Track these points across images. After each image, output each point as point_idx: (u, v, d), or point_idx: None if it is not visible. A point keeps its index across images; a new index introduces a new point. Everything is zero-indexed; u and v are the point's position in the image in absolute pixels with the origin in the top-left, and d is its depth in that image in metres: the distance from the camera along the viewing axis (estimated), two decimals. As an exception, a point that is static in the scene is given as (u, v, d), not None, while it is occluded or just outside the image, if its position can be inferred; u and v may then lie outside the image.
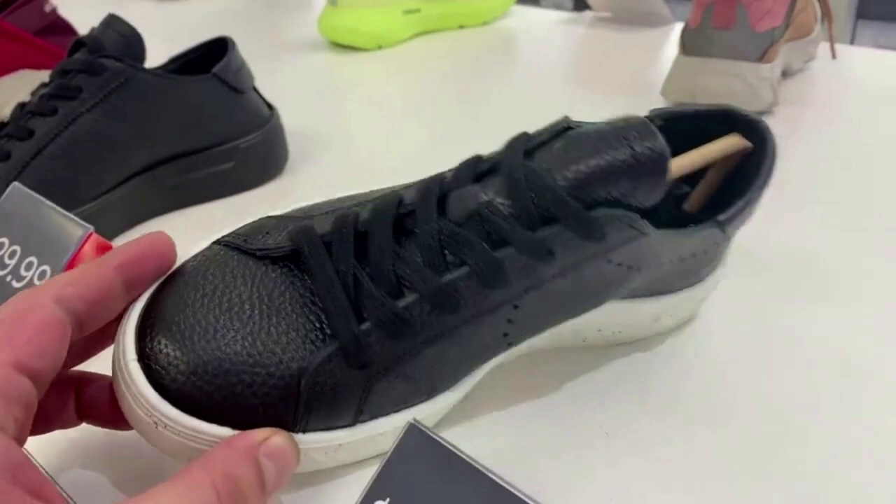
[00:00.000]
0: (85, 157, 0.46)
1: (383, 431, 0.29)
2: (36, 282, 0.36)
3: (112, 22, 0.49)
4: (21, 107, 0.47)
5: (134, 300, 0.29)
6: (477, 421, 0.33)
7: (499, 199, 0.29)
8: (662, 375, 0.35)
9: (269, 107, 0.57)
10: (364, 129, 0.67)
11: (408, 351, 0.29)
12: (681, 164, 0.34)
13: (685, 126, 0.36)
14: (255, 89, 0.55)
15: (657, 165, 0.30)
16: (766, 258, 0.44)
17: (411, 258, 0.29)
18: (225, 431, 0.27)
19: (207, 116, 0.51)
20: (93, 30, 0.49)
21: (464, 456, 0.24)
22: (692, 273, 0.35)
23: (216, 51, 0.54)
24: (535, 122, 0.33)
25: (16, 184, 0.40)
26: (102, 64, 0.47)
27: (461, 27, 0.95)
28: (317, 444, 0.28)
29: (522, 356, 0.34)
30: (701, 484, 0.30)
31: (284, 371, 0.27)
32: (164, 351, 0.27)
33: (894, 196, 0.50)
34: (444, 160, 0.35)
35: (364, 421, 0.29)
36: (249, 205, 0.53)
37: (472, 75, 0.80)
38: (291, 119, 0.59)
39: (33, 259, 0.37)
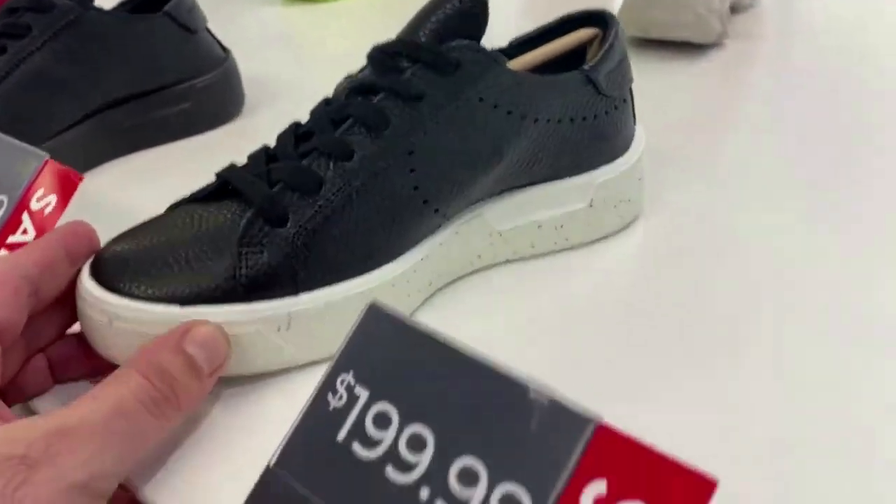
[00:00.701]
0: (36, 98, 0.45)
1: (328, 302, 0.31)
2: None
3: None
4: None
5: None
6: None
7: (365, 74, 0.35)
8: (614, 280, 0.37)
9: (224, 49, 0.56)
10: (322, 78, 0.67)
11: (322, 207, 0.31)
12: (535, 56, 0.38)
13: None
14: (208, 30, 0.55)
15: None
16: (711, 170, 0.45)
17: (309, 136, 0.33)
18: (172, 309, 0.29)
19: (160, 56, 0.50)
20: None
21: (425, 329, 0.25)
22: (597, 146, 0.37)
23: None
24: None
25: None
26: (51, 2, 0.46)
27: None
28: (263, 312, 0.30)
29: (478, 274, 0.36)
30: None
31: (217, 247, 0.30)
32: (112, 260, 0.30)
33: (837, 123, 0.52)
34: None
35: (307, 289, 0.31)
36: (207, 146, 0.53)
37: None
38: (247, 67, 0.58)
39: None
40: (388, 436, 0.23)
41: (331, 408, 0.24)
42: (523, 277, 0.37)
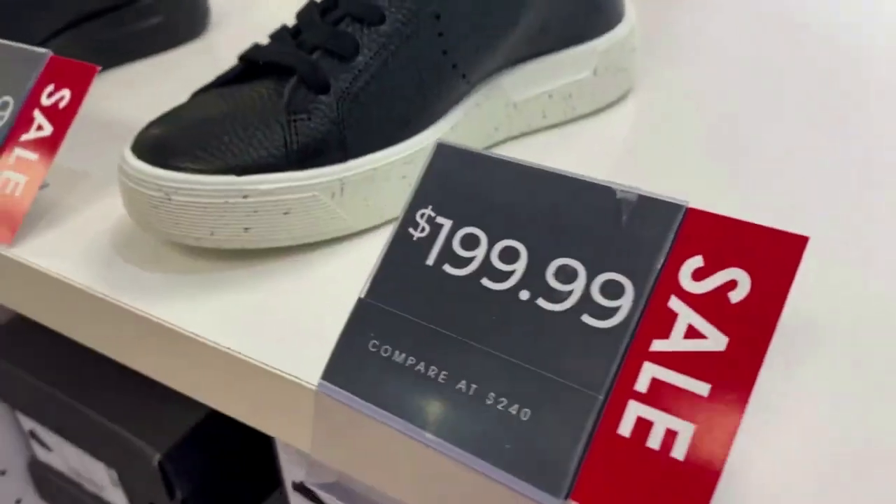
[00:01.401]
0: (12, 11, 0.44)
1: (374, 167, 0.32)
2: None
3: None
4: None
5: None
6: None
7: None
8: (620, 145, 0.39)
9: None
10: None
11: (362, 72, 0.32)
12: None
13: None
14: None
15: None
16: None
17: (332, 6, 0.33)
18: (230, 178, 0.29)
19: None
20: None
21: (499, 156, 0.26)
22: (595, 16, 0.40)
23: None
24: None
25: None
26: None
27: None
28: (317, 179, 0.31)
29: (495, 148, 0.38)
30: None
31: (264, 119, 0.31)
32: (157, 140, 0.31)
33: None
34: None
35: (355, 155, 0.32)
36: (181, 61, 0.52)
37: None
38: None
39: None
40: (479, 253, 0.25)
41: (415, 238, 0.26)
42: (537, 148, 0.39)
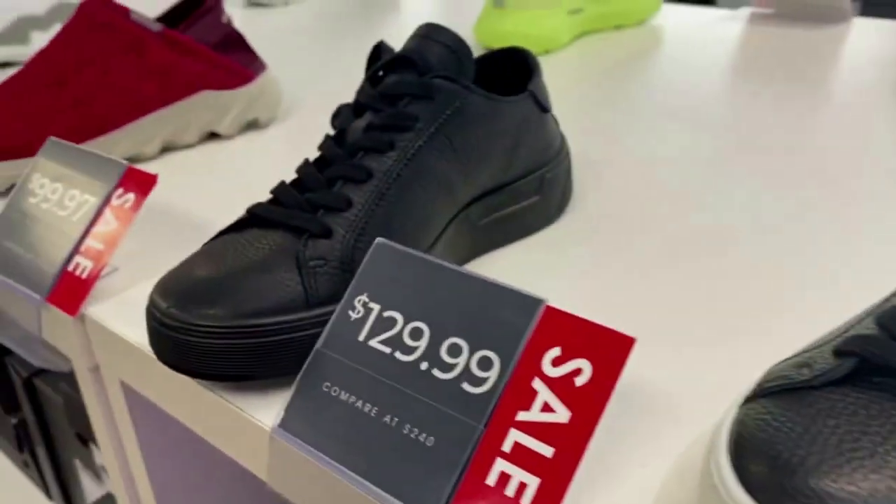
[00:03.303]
0: (421, 199, 0.39)
1: None
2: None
3: (433, 32, 0.41)
4: (335, 140, 0.40)
5: None
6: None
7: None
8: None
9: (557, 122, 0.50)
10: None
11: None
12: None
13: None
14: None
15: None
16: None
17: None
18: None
19: (524, 142, 0.45)
20: (411, 41, 0.42)
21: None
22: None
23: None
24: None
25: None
26: (435, 85, 0.40)
27: (618, 27, 0.92)
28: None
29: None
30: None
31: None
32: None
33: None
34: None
35: None
36: (550, 242, 0.47)
37: (633, 75, 0.77)
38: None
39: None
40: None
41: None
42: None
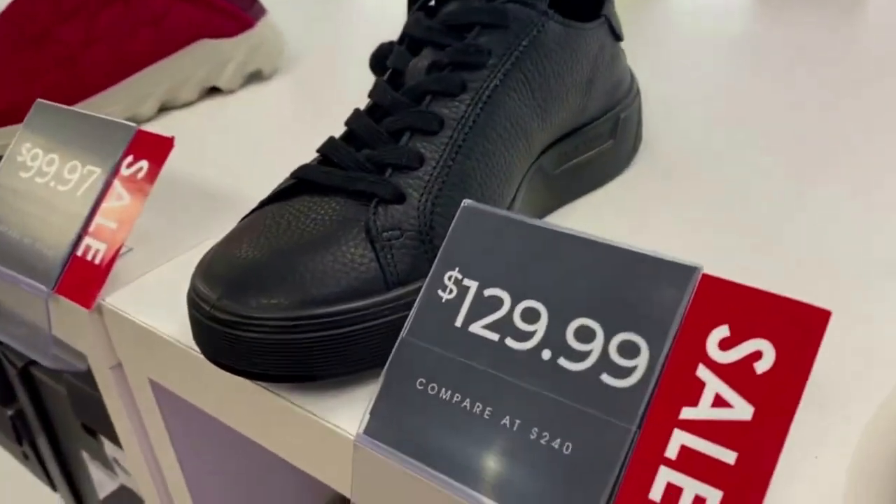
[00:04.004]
0: (499, 150, 0.33)
1: None
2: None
3: None
4: (391, 83, 0.34)
5: None
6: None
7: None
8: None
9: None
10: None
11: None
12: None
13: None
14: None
15: None
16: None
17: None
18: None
19: (599, 77, 0.38)
20: None
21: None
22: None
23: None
24: None
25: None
26: (509, 11, 0.34)
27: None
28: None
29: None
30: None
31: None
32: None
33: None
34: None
35: None
36: (629, 190, 0.41)
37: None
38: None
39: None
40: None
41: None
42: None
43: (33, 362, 0.70)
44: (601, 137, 0.39)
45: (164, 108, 0.57)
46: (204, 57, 0.57)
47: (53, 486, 0.83)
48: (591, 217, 0.39)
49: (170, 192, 0.45)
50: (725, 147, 0.44)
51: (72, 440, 0.73)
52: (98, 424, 0.60)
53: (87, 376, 0.43)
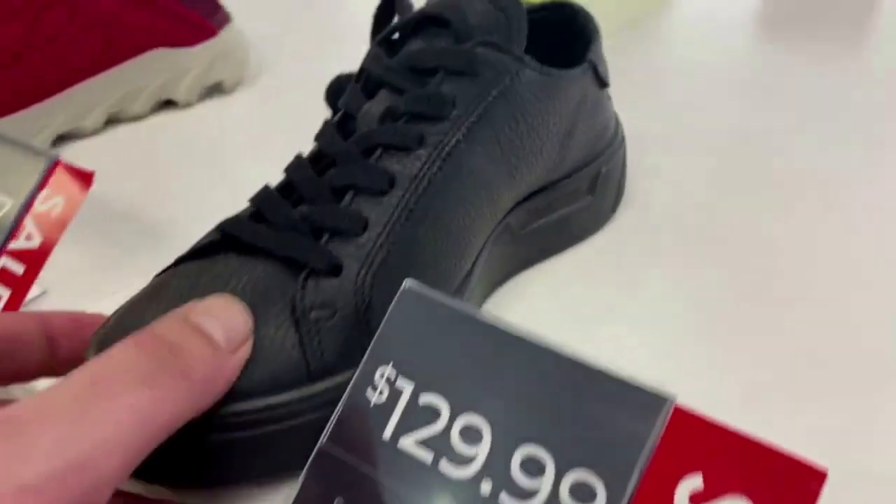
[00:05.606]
0: (458, 213, 0.29)
1: None
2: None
3: None
4: (339, 128, 0.30)
5: None
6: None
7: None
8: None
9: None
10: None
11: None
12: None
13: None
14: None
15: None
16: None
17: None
18: None
19: (579, 128, 0.34)
20: None
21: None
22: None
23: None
24: None
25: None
26: (479, 57, 0.30)
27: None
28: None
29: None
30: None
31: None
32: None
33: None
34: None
35: None
36: (606, 251, 0.38)
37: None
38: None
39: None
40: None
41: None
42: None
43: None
44: (578, 193, 0.36)
45: (111, 121, 0.53)
46: (158, 67, 0.53)
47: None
48: (557, 285, 0.35)
49: (100, 221, 0.41)
50: (718, 200, 0.41)
51: None
52: None
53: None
